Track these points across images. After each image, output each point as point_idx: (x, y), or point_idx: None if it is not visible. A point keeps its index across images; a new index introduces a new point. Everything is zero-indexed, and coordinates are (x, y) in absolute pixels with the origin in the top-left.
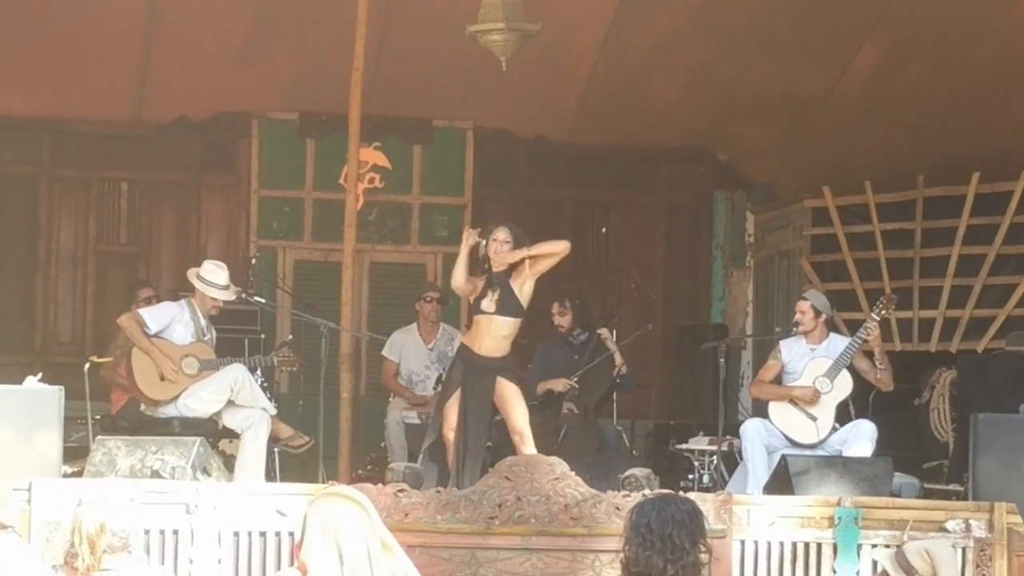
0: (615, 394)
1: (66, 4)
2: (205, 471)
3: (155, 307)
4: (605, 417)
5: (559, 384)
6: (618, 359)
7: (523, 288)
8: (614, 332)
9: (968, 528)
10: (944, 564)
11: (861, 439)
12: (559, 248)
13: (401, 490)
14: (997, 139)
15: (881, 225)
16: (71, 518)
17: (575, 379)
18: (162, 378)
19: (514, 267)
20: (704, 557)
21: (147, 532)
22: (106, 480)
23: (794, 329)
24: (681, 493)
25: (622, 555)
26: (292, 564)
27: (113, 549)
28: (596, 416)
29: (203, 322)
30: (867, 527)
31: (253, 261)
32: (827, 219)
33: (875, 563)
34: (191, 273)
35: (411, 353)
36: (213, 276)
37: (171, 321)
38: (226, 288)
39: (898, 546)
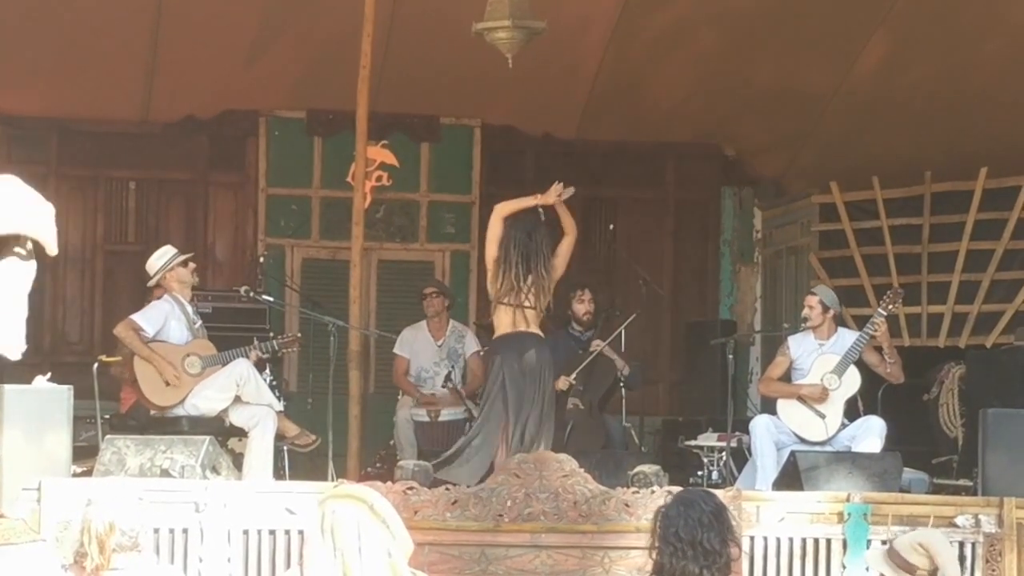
0: (623, 391)
1: (73, 3)
2: (214, 470)
3: (148, 309)
4: (613, 413)
5: (560, 382)
6: (619, 363)
7: None
8: (622, 340)
9: (978, 523)
10: (941, 553)
11: (870, 435)
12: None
13: (410, 488)
14: (1005, 134)
15: (889, 220)
16: (80, 517)
17: (574, 376)
18: (167, 383)
19: None
20: (735, 552)
21: (156, 531)
22: (115, 479)
23: (803, 325)
24: (701, 488)
25: (652, 560)
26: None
27: (122, 548)
28: (601, 411)
29: (191, 311)
30: (876, 523)
31: (261, 259)
32: (835, 215)
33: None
34: (152, 281)
35: (421, 350)
36: (162, 258)
37: (166, 319)
38: (176, 253)
39: (887, 543)
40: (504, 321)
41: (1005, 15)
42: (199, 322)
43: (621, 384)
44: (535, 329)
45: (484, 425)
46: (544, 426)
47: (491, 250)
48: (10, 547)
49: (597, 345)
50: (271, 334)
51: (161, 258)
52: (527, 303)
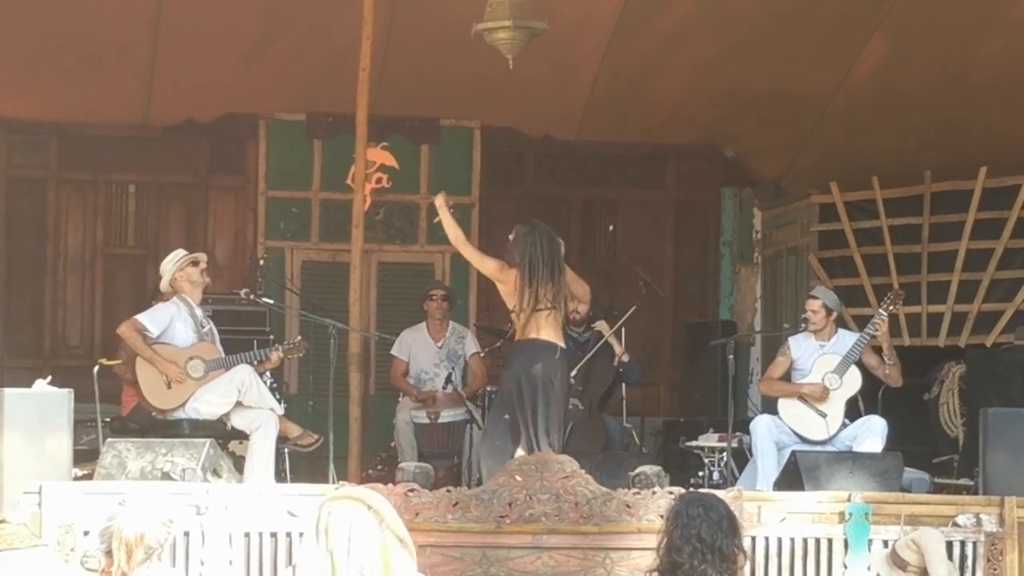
0: (623, 387)
1: (73, 7)
2: (215, 472)
3: (153, 309)
4: (614, 414)
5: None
6: (617, 348)
7: None
8: (622, 331)
9: (979, 523)
10: (930, 550)
11: (871, 435)
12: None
13: (411, 490)
14: (1004, 134)
15: (889, 220)
16: (107, 518)
17: (573, 375)
18: (169, 385)
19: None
20: (741, 559)
21: None
22: (117, 483)
23: (803, 326)
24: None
25: (661, 558)
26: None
27: (145, 560)
28: (601, 412)
29: (200, 315)
30: (878, 522)
31: (261, 262)
32: (835, 215)
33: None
34: (164, 283)
35: (420, 352)
36: (172, 260)
37: (171, 320)
38: (186, 253)
39: (894, 543)
40: (523, 327)
41: (1003, 15)
42: (208, 326)
43: (620, 371)
44: (552, 335)
45: (491, 429)
46: (554, 431)
47: (492, 268)
48: (12, 552)
49: (601, 325)
50: (271, 337)
51: (171, 260)
52: (545, 306)
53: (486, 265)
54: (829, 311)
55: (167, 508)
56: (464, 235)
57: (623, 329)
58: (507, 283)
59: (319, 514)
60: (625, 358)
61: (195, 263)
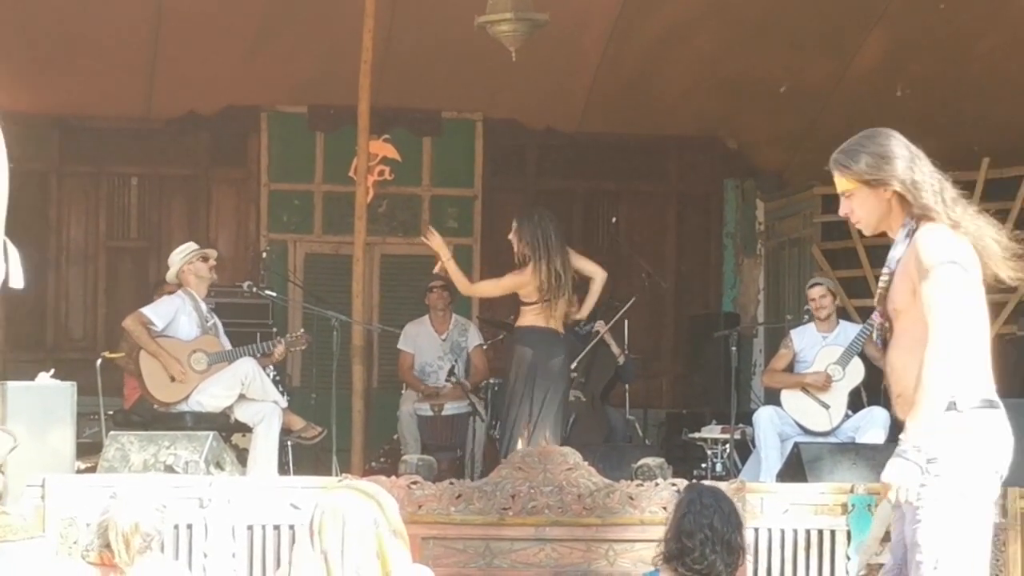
0: (625, 384)
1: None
2: (218, 465)
3: (157, 303)
4: (617, 406)
5: None
6: (615, 349)
7: None
8: (624, 328)
9: None
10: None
11: (874, 426)
12: None
13: (414, 482)
14: (1006, 124)
15: None
16: (100, 512)
17: (574, 367)
18: (172, 379)
19: None
20: (742, 555)
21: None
22: (119, 475)
23: (805, 318)
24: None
25: (672, 543)
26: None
27: (143, 550)
28: (603, 404)
29: (204, 309)
30: None
31: (264, 255)
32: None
33: None
34: (170, 274)
35: (424, 344)
36: (182, 251)
37: (175, 313)
38: (197, 248)
39: None
40: (533, 317)
41: (1003, 6)
42: (213, 320)
43: (617, 371)
44: (560, 324)
45: (506, 417)
46: (559, 422)
47: (509, 283)
48: (9, 544)
49: (600, 326)
50: (274, 330)
51: (181, 252)
52: (564, 292)
53: (503, 284)
54: (834, 295)
55: (159, 495)
56: (466, 277)
57: (625, 323)
58: (528, 282)
59: (312, 515)
60: (621, 360)
61: (205, 259)
